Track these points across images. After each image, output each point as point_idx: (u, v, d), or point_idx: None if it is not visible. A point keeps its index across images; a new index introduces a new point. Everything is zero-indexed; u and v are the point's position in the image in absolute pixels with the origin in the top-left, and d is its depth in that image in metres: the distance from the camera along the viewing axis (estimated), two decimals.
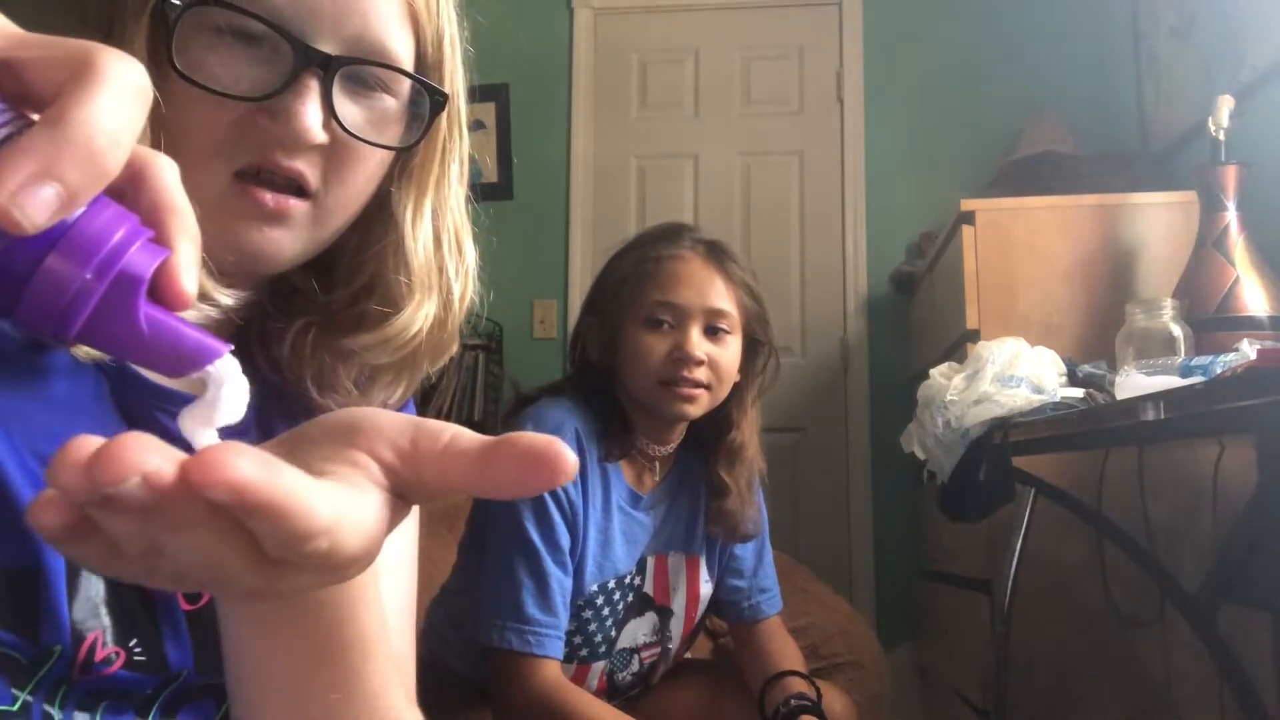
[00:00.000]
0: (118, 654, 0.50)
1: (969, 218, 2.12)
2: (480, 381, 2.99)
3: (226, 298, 0.52)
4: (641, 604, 1.33)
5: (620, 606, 1.29)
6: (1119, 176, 2.24)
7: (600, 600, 1.26)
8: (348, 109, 0.54)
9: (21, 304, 0.30)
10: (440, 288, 0.61)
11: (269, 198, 0.52)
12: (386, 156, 0.57)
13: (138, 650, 0.51)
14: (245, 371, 0.61)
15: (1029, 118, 2.76)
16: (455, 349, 0.65)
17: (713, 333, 1.24)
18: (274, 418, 0.61)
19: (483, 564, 1.22)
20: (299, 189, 0.53)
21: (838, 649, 1.78)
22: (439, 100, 0.57)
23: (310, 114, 0.51)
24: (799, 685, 1.32)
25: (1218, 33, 2.21)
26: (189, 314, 0.49)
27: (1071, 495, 1.59)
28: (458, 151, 0.62)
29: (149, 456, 0.26)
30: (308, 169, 0.53)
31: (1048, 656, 1.89)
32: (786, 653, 1.40)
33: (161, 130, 0.51)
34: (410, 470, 0.34)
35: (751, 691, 1.37)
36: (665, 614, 1.35)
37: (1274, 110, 1.92)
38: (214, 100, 0.51)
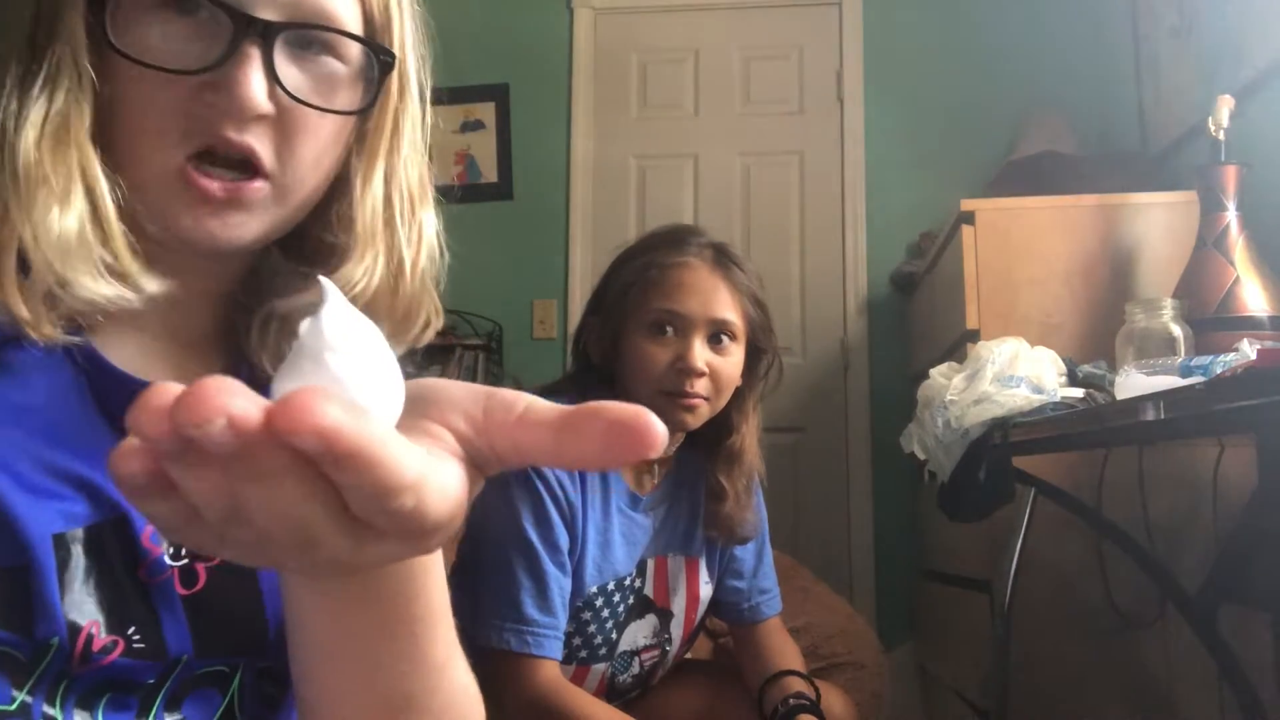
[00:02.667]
0: (116, 643, 0.50)
1: (969, 218, 2.12)
2: (480, 381, 2.98)
3: (153, 285, 0.51)
4: (642, 606, 1.32)
5: (621, 609, 1.29)
6: (1119, 176, 2.24)
7: (600, 602, 1.26)
8: (292, 75, 0.53)
9: None
10: (389, 248, 0.59)
11: (216, 187, 0.51)
12: (342, 125, 0.56)
13: (136, 638, 0.51)
14: (228, 367, 0.61)
15: (1029, 118, 2.76)
16: (426, 323, 0.63)
17: (716, 340, 1.24)
18: None
19: (481, 564, 1.22)
20: (254, 170, 0.53)
21: (838, 649, 1.78)
22: (386, 61, 0.56)
23: (254, 82, 0.50)
24: (798, 685, 1.32)
25: (1218, 33, 2.21)
26: (109, 294, 0.49)
27: (1071, 495, 1.59)
28: (411, 116, 0.60)
29: (234, 399, 0.26)
30: (259, 144, 0.52)
31: (1048, 656, 1.89)
32: (786, 653, 1.40)
33: (110, 113, 0.51)
34: (484, 440, 0.34)
35: (751, 691, 1.37)
36: (665, 616, 1.35)
37: (1274, 110, 1.91)
38: (159, 78, 0.50)
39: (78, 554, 0.50)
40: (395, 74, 0.58)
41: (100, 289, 0.49)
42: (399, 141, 0.59)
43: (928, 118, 3.11)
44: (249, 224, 0.53)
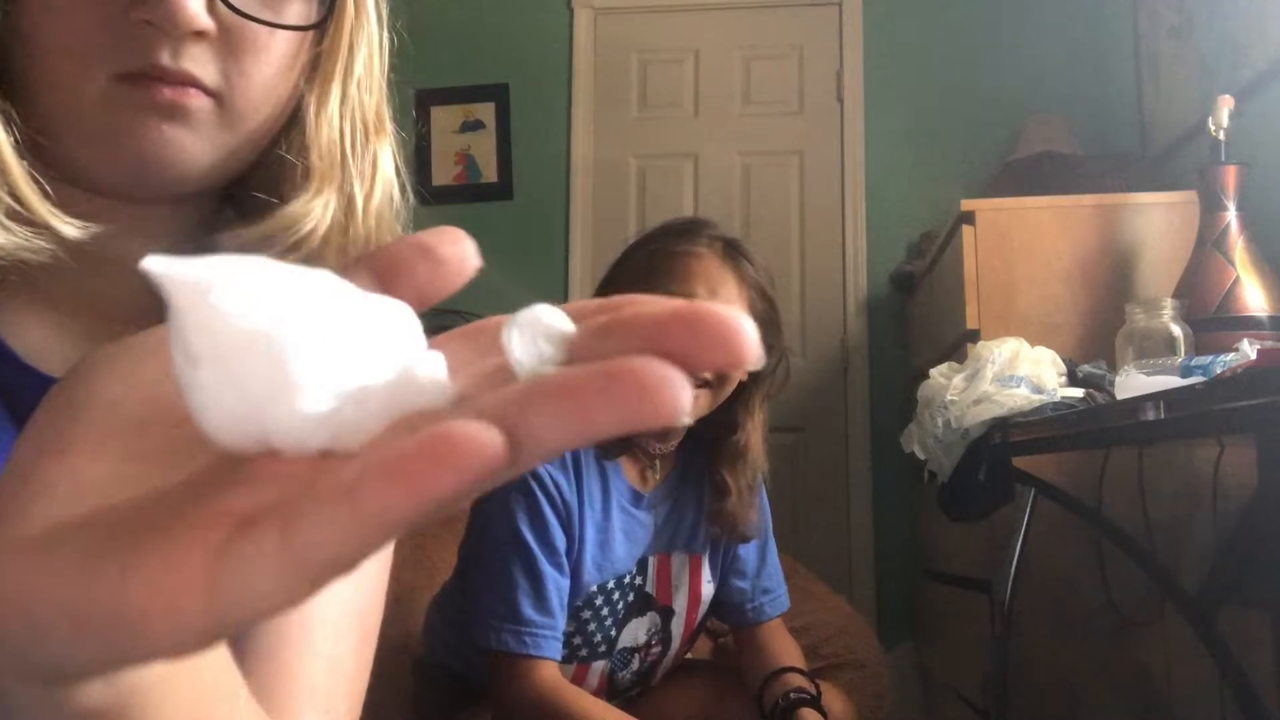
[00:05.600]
0: None
1: (969, 218, 2.12)
2: None
3: (71, 228, 0.44)
4: (643, 604, 1.33)
5: (620, 607, 1.29)
6: (1119, 176, 2.24)
7: (600, 600, 1.26)
8: None
9: None
10: (341, 184, 0.53)
11: (165, 89, 0.45)
12: (296, 46, 0.50)
13: None
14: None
15: (1029, 118, 2.76)
16: None
17: None
18: None
19: (479, 566, 1.22)
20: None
21: (838, 649, 1.78)
22: None
23: None
24: (797, 681, 1.32)
25: (1217, 33, 2.21)
26: (4, 242, 0.41)
27: (1071, 495, 1.59)
28: (367, 36, 0.54)
29: None
30: (199, 69, 0.45)
31: (1048, 656, 1.89)
32: (787, 652, 1.40)
33: (19, 39, 0.45)
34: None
35: (751, 690, 1.37)
36: (666, 614, 1.35)
37: (1274, 110, 1.91)
38: None
39: None
40: None
41: None
42: (354, 65, 0.53)
43: (928, 118, 3.11)
44: (194, 144, 0.46)
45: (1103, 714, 1.88)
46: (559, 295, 3.23)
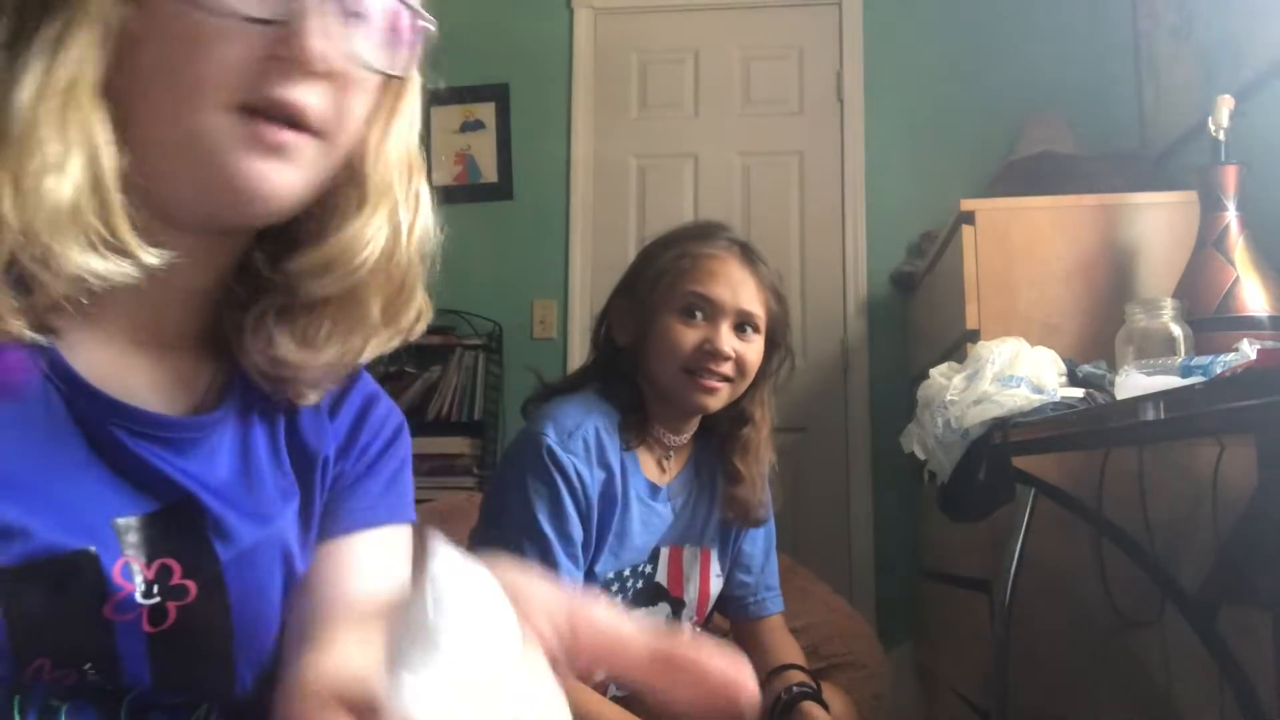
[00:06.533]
0: (68, 674, 0.47)
1: (969, 218, 2.12)
2: (480, 381, 2.99)
3: (151, 256, 0.48)
4: (654, 594, 1.35)
5: (630, 592, 1.31)
6: (1119, 176, 2.23)
7: (615, 588, 1.29)
8: (352, 34, 0.51)
9: None
10: (391, 212, 0.57)
11: (275, 131, 0.49)
12: (377, 87, 0.55)
13: (91, 671, 0.48)
14: (217, 371, 0.58)
15: (1029, 118, 2.76)
16: (418, 314, 0.60)
17: (740, 330, 1.29)
18: (252, 411, 0.59)
19: (494, 551, 1.23)
20: (303, 126, 0.50)
21: (838, 649, 1.78)
22: (425, 25, 0.55)
23: (328, 35, 0.48)
24: (799, 678, 1.34)
25: (1218, 32, 2.21)
26: (102, 268, 0.45)
27: (1071, 495, 1.59)
28: (415, 80, 0.59)
29: None
30: (317, 103, 0.50)
31: (1048, 656, 1.89)
32: (788, 649, 1.42)
33: (134, 67, 0.47)
34: (564, 651, 0.33)
35: None
36: (678, 606, 1.38)
37: (1274, 110, 1.91)
38: (211, 31, 0.47)
39: (32, 590, 0.45)
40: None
41: (91, 263, 0.45)
42: (411, 105, 0.58)
43: (928, 117, 3.11)
44: (293, 177, 0.50)
45: (1103, 714, 1.88)
46: (559, 295, 3.23)
